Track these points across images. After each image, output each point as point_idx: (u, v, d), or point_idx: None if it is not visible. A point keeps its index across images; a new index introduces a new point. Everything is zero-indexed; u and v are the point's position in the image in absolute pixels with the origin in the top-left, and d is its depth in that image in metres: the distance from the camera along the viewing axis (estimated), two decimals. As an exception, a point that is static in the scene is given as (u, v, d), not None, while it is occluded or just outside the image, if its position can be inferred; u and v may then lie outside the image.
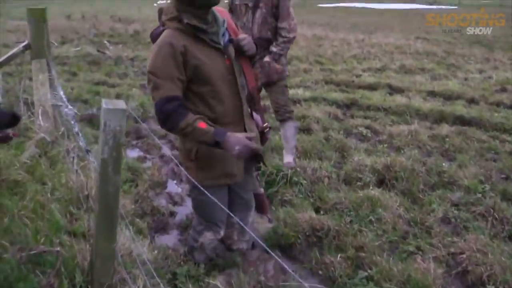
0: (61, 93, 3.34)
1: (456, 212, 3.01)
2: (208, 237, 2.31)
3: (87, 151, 2.10)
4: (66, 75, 7.41)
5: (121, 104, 1.51)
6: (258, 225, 2.74)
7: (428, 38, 14.52)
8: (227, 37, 2.04)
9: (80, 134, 2.36)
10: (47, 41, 3.58)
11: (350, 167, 3.62)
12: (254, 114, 2.29)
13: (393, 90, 6.85)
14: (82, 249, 1.96)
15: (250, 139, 1.94)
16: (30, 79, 3.97)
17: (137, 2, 30.56)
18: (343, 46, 11.83)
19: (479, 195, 3.23)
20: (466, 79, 7.80)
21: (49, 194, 2.58)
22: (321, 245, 2.62)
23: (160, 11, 2.02)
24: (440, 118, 5.26)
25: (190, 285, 2.19)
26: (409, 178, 3.42)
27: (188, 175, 2.11)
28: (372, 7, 31.46)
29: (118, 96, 5.95)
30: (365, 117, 5.35)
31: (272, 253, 1.30)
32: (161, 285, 1.82)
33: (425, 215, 2.96)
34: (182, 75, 1.91)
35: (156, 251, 2.38)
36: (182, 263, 2.37)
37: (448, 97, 6.39)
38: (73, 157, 2.81)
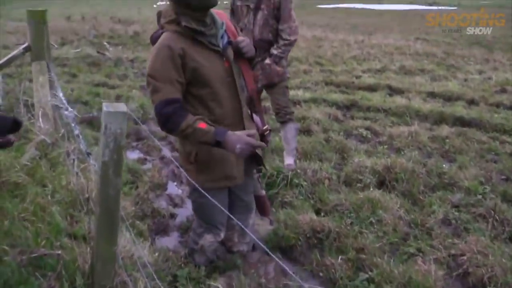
0: (61, 95, 3.33)
1: (456, 213, 3.01)
2: (208, 240, 2.31)
3: (88, 154, 2.10)
4: (66, 76, 7.41)
5: (121, 107, 1.51)
6: (258, 227, 2.74)
7: (427, 39, 14.55)
8: (226, 39, 2.04)
9: (81, 137, 2.36)
10: (47, 43, 3.58)
11: (351, 169, 3.62)
12: (254, 116, 2.29)
13: (393, 91, 6.85)
14: (83, 252, 1.96)
15: (250, 136, 1.94)
16: (30, 80, 3.97)
17: (137, 3, 30.59)
18: (342, 47, 11.84)
19: (480, 197, 3.23)
20: (466, 80, 7.81)
21: (49, 197, 2.58)
22: (321, 247, 2.62)
23: (159, 14, 2.02)
24: (440, 119, 5.26)
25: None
26: (410, 179, 3.42)
27: (188, 178, 2.11)
28: (371, 8, 31.49)
29: (118, 98, 5.95)
30: (365, 118, 5.35)
31: (273, 255, 1.30)
32: (162, 287, 1.82)
33: (425, 217, 2.96)
34: (181, 77, 1.92)
35: (156, 254, 2.38)
36: (182, 265, 2.37)
37: (448, 98, 6.40)
38: (74, 159, 2.81)
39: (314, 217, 2.81)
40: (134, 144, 4.50)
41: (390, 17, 24.64)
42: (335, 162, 3.87)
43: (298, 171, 3.43)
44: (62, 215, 2.41)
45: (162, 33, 1.96)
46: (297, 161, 3.64)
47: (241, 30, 3.19)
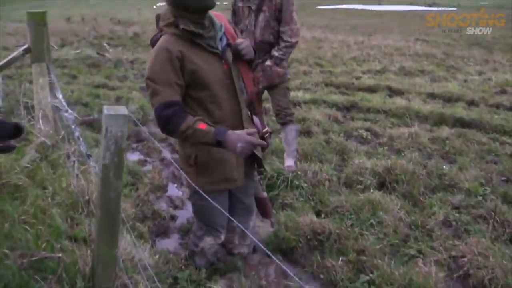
0: (61, 96, 3.33)
1: (457, 215, 3.00)
2: (208, 242, 2.31)
3: (88, 156, 2.10)
4: (66, 77, 7.41)
5: (122, 109, 1.51)
6: (259, 229, 2.74)
7: (427, 40, 14.56)
8: (224, 42, 2.04)
9: (81, 139, 2.36)
10: (47, 45, 3.57)
11: (351, 170, 3.62)
12: (254, 118, 2.29)
13: (393, 92, 6.85)
14: (83, 255, 1.96)
15: (251, 134, 1.93)
16: (30, 82, 3.97)
17: (136, 4, 30.64)
18: (342, 48, 11.85)
19: (480, 198, 3.23)
20: (465, 81, 7.81)
21: (49, 199, 2.58)
22: (322, 249, 2.62)
23: (158, 17, 2.02)
24: (440, 120, 5.26)
25: (191, 290, 2.19)
26: (410, 181, 3.42)
27: (188, 180, 2.10)
28: (371, 8, 31.52)
29: (118, 99, 5.95)
30: (365, 120, 5.34)
31: (273, 257, 1.29)
32: (163, 290, 1.82)
33: (426, 218, 2.96)
34: (180, 79, 1.92)
35: (157, 256, 2.37)
36: (183, 267, 2.37)
37: (448, 99, 6.40)
38: (74, 161, 2.80)
39: (315, 218, 2.81)
40: (134, 145, 4.49)
41: (390, 18, 24.67)
42: (335, 163, 3.86)
43: (299, 172, 3.43)
44: (62, 218, 2.41)
45: (161, 36, 1.96)
46: (298, 162, 3.64)
47: (242, 32, 3.20)
